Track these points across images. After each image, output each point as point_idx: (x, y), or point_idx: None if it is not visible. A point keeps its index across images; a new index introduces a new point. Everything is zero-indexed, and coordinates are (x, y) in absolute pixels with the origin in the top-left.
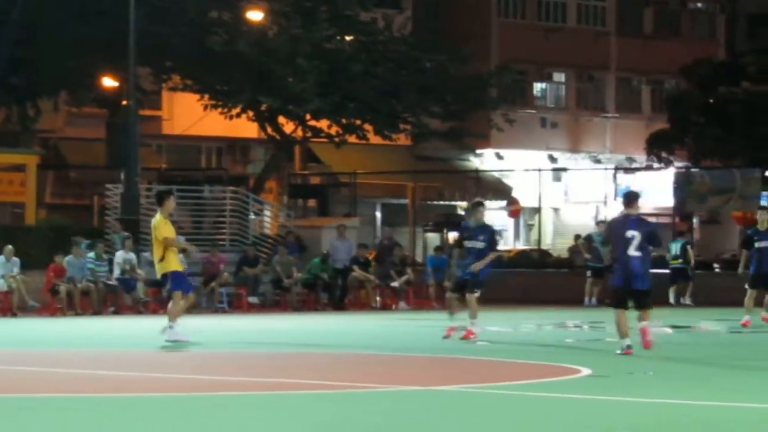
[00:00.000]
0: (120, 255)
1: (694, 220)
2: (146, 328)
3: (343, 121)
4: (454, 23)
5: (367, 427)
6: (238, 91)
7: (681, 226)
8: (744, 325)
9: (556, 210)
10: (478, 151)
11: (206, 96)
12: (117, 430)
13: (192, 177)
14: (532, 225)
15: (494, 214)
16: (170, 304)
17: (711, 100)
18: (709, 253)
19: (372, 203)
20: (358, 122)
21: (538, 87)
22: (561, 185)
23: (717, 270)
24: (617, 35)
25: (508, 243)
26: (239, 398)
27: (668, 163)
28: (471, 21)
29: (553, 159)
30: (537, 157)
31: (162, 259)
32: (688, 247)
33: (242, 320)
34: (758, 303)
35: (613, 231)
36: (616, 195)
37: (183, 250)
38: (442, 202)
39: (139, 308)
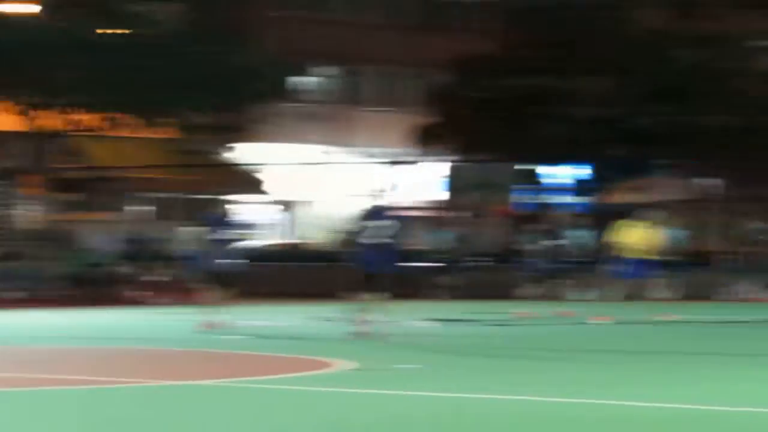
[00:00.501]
0: None
1: (463, 213)
2: None
3: (107, 114)
4: (228, 15)
5: (117, 422)
6: None
7: (449, 218)
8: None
9: (324, 203)
10: (246, 144)
11: None
12: None
13: None
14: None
15: (253, 208)
16: None
17: (481, 94)
18: (475, 246)
19: (142, 197)
20: (121, 115)
21: (307, 80)
22: (330, 178)
23: (481, 263)
24: (387, 28)
25: (269, 236)
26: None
27: (438, 157)
28: (244, 13)
29: (323, 153)
30: (308, 151)
31: None
32: (454, 239)
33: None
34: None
35: (359, 221)
36: (386, 188)
37: None
38: (207, 196)
39: None
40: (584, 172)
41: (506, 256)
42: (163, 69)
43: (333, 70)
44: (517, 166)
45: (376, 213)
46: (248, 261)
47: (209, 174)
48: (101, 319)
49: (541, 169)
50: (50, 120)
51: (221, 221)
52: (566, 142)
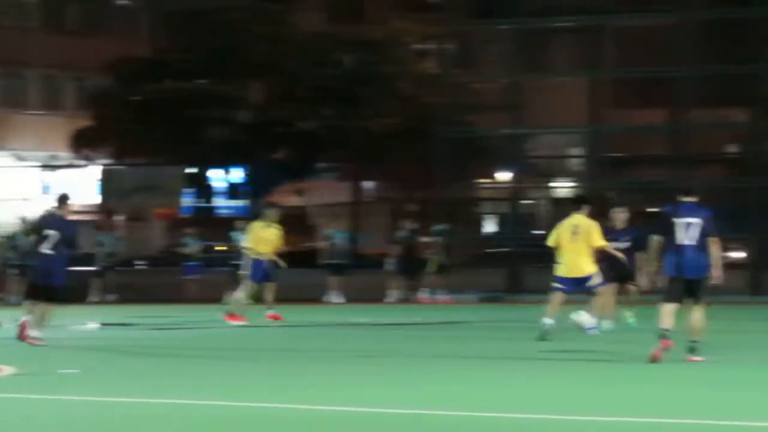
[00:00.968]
0: None
1: (118, 217)
2: None
3: None
4: None
5: None
6: None
7: (104, 223)
8: None
9: None
10: None
11: None
12: None
13: None
14: None
15: None
16: None
17: (135, 98)
18: (134, 249)
19: None
20: None
21: None
22: None
23: (141, 266)
24: (42, 31)
25: None
26: None
27: (93, 161)
28: None
29: None
30: None
31: None
32: (114, 242)
33: None
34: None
35: (30, 230)
36: (41, 192)
37: None
38: None
39: None
40: (245, 175)
41: (168, 259)
42: None
43: None
44: (187, 170)
45: (45, 220)
46: None
47: None
48: None
49: (210, 173)
50: None
51: None
52: (228, 146)
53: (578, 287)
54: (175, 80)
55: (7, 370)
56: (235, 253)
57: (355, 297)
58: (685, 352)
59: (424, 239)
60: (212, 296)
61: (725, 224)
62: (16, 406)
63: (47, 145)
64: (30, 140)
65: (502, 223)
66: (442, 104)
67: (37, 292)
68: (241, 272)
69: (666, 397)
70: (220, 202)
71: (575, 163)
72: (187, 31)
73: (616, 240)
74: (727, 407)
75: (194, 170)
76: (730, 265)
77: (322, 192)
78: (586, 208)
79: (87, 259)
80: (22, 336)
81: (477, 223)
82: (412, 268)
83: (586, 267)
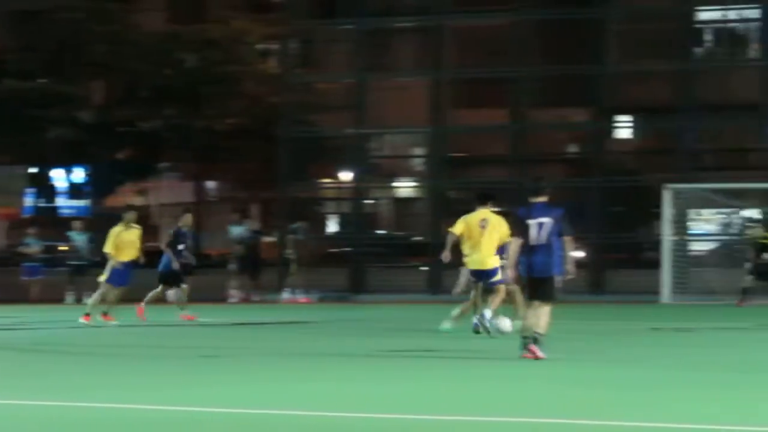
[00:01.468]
0: None
1: None
2: None
3: None
4: None
5: None
6: None
7: None
8: None
9: None
10: None
11: None
12: None
13: None
14: None
15: None
16: None
17: None
18: None
19: None
20: None
21: None
22: None
23: None
24: None
25: None
26: None
27: None
28: None
29: None
30: None
31: None
32: None
33: None
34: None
35: None
36: None
37: None
38: None
39: None
40: (87, 175)
41: (10, 259)
42: None
43: None
44: (29, 170)
45: None
46: None
47: None
48: None
49: (53, 173)
50: None
51: None
52: (71, 146)
53: (484, 281)
54: (15, 80)
55: None
56: (74, 252)
57: (197, 297)
58: (524, 343)
59: (267, 239)
60: (53, 297)
61: (572, 222)
62: None
63: None
64: None
65: (345, 223)
66: (286, 104)
67: None
68: (100, 276)
69: (507, 395)
70: (62, 202)
71: (417, 163)
72: (26, 30)
73: None
74: (569, 405)
75: (36, 170)
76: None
77: (165, 192)
78: (491, 204)
79: None
80: None
81: (320, 223)
82: (254, 267)
83: (492, 261)
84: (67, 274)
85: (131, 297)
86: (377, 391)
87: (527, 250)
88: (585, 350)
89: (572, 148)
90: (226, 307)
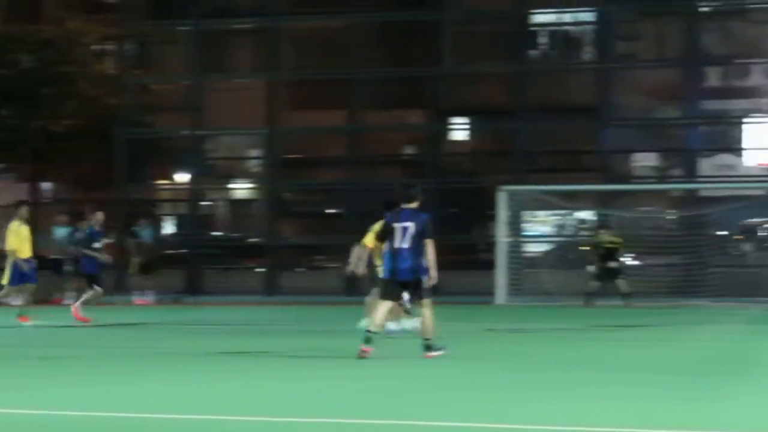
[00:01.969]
0: None
1: None
2: None
3: None
4: None
5: None
6: None
7: None
8: None
9: None
10: None
11: None
12: None
13: None
14: None
15: None
16: None
17: None
18: None
19: None
20: None
21: None
22: None
23: None
24: None
25: None
26: None
27: None
28: None
29: None
30: None
31: None
32: None
33: None
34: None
35: None
36: None
37: None
38: None
39: None
40: None
41: None
42: None
43: None
44: None
45: None
46: None
47: None
48: None
49: None
50: None
51: None
52: None
53: None
54: None
55: None
56: None
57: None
58: (421, 350)
59: (106, 240)
60: None
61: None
62: None
63: None
64: None
65: (181, 225)
66: (123, 105)
67: None
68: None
69: (326, 395)
70: None
71: (254, 165)
72: None
73: None
74: (388, 405)
75: None
76: None
77: (1, 193)
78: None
79: None
80: None
81: (157, 225)
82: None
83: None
84: None
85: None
86: (194, 391)
87: (391, 253)
88: (418, 350)
89: (408, 150)
90: (62, 309)
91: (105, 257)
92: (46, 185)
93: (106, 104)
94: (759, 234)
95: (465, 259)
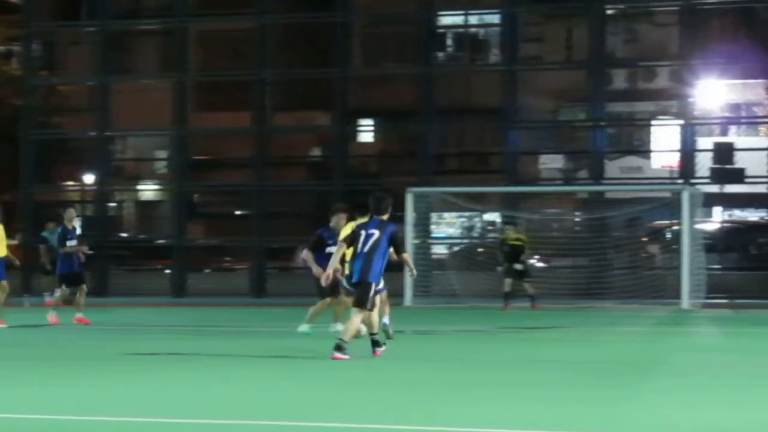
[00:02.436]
0: None
1: None
2: None
3: None
4: None
5: None
6: None
7: None
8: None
9: None
10: None
11: None
12: None
13: None
14: None
15: None
16: None
17: None
18: None
19: None
20: None
21: None
22: None
23: None
24: None
25: None
26: None
27: None
28: None
29: None
30: None
31: None
32: None
33: None
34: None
35: None
36: None
37: None
38: None
39: None
40: None
41: None
42: None
43: None
44: None
45: None
46: None
47: None
48: None
49: None
50: None
51: None
52: None
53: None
54: None
55: None
56: None
57: None
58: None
59: (12, 242)
60: None
61: (309, 228)
62: None
63: None
64: None
65: (88, 226)
66: (29, 106)
67: None
68: None
69: (230, 395)
70: None
71: (161, 166)
72: None
73: None
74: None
75: None
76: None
77: None
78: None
79: None
80: None
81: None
82: None
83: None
84: None
85: None
86: (101, 393)
87: (352, 257)
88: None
89: (316, 152)
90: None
91: (84, 249)
92: None
93: (12, 105)
94: (665, 236)
95: None
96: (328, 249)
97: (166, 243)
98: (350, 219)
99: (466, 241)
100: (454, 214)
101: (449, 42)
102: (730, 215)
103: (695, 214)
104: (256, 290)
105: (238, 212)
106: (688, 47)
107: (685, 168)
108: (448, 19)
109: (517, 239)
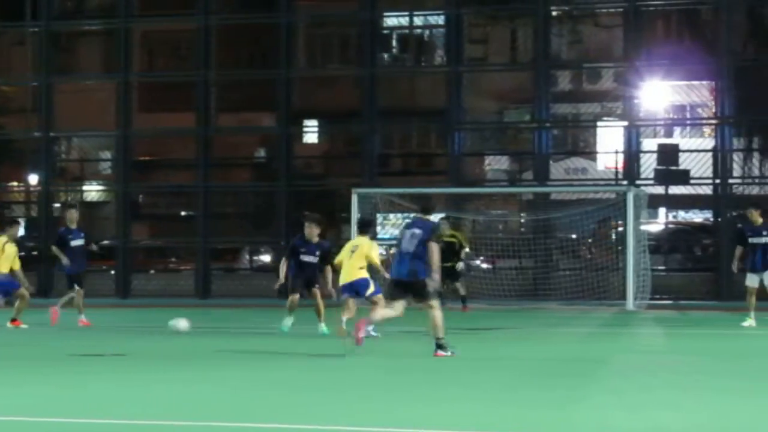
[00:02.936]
0: None
1: None
2: None
3: None
4: None
5: None
6: None
7: None
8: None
9: None
10: None
11: None
12: None
13: None
14: None
15: None
16: None
17: None
18: None
19: None
20: None
21: None
22: None
23: None
24: None
25: None
26: None
27: None
28: None
29: None
30: None
31: None
32: None
33: None
34: None
35: None
36: None
37: None
38: None
39: None
40: None
41: None
42: None
43: None
44: None
45: None
46: None
47: None
48: None
49: None
50: None
51: None
52: None
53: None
54: None
55: None
56: None
57: None
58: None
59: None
60: None
61: (254, 229)
62: None
63: None
64: None
65: (32, 227)
66: None
67: None
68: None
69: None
70: None
71: (105, 167)
72: None
73: None
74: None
75: None
76: (260, 269)
77: None
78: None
79: None
80: None
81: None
82: None
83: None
84: None
85: None
86: (49, 394)
87: (396, 257)
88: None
89: (259, 153)
90: None
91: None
92: None
93: None
94: (610, 237)
95: None
96: (302, 257)
97: (110, 244)
98: (323, 229)
99: None
100: (399, 215)
101: (394, 43)
102: (674, 216)
103: (640, 216)
104: (201, 291)
105: (183, 213)
106: (632, 49)
107: (630, 169)
108: (393, 20)
109: (452, 236)
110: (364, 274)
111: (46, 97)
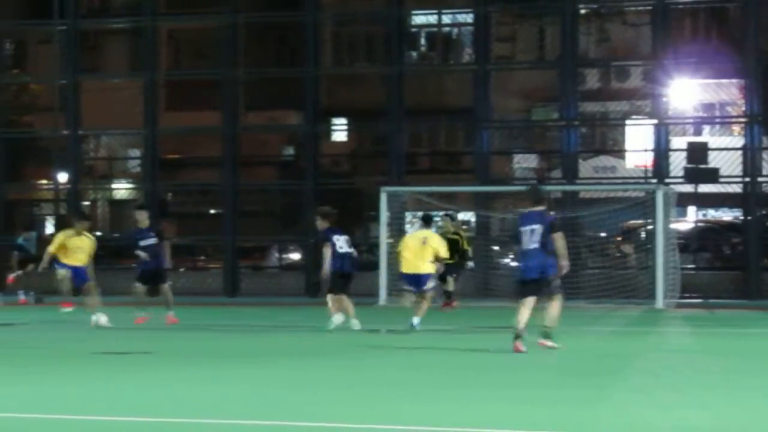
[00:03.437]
0: None
1: None
2: None
3: None
4: None
5: None
6: None
7: None
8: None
9: None
10: None
11: None
12: None
13: None
14: None
15: None
16: None
17: None
18: None
19: None
20: None
21: None
22: None
23: None
24: None
25: None
26: None
27: None
28: None
29: None
30: None
31: None
32: None
33: None
34: None
35: None
36: None
37: None
38: None
39: None
40: None
41: None
42: None
43: None
44: None
45: None
46: None
47: None
48: None
49: None
50: None
51: None
52: None
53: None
54: None
55: None
56: None
57: None
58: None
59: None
60: None
61: (281, 227)
62: None
63: None
64: None
65: (61, 225)
66: None
67: None
68: None
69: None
70: None
71: (133, 165)
72: None
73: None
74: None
75: None
76: (288, 267)
77: None
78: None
79: None
80: None
81: (38, 225)
82: None
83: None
84: None
85: None
86: (75, 392)
87: (521, 254)
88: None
89: (286, 151)
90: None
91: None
92: None
93: None
94: (639, 236)
95: None
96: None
97: None
98: (334, 223)
99: None
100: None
101: (421, 41)
102: (704, 215)
103: (669, 214)
104: (229, 289)
105: (210, 211)
106: (660, 47)
107: (659, 167)
108: (420, 18)
109: (455, 233)
110: (432, 269)
111: (74, 96)
